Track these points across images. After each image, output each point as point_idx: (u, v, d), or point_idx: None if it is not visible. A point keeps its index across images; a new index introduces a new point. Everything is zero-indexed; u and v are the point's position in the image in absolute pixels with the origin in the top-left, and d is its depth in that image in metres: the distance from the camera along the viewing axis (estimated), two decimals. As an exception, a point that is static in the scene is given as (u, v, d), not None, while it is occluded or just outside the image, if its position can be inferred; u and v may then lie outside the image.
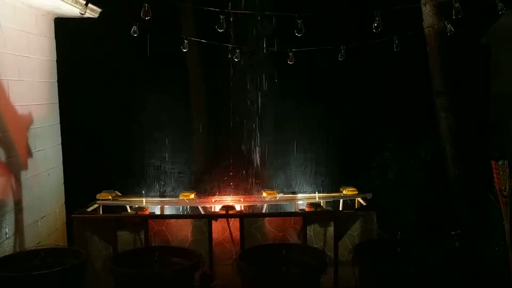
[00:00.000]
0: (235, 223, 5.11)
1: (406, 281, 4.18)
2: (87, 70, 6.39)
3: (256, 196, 5.96)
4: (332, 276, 5.01)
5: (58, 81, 5.75)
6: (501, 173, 4.35)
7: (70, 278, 4.06)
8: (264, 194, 5.77)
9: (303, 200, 5.71)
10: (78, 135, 6.28)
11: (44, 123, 5.39)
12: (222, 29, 4.55)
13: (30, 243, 4.88)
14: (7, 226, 4.58)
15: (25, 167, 4.94)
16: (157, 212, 5.59)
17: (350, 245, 5.03)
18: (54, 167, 5.61)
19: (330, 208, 5.75)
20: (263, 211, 5.75)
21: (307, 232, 5.11)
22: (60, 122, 5.79)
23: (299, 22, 4.55)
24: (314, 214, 5.22)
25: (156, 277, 4.17)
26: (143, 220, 5.08)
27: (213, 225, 5.06)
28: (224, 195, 5.98)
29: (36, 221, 5.12)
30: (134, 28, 4.73)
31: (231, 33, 4.85)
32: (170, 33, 5.41)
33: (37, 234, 5.09)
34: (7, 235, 4.58)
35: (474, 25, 6.51)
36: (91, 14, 5.12)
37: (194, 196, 5.72)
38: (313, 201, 5.58)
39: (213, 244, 5.05)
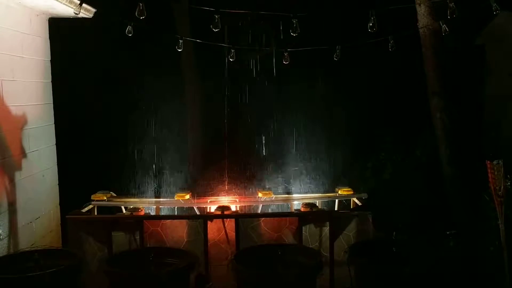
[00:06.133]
0: (230, 224, 5.10)
1: (402, 281, 4.18)
2: (82, 70, 6.35)
3: (252, 196, 5.95)
4: (328, 277, 5.01)
5: (52, 81, 5.73)
6: (496, 173, 4.35)
7: (64, 280, 4.04)
8: (260, 195, 5.76)
9: (298, 200, 5.71)
10: (73, 135, 6.24)
11: (39, 124, 5.36)
12: (217, 28, 4.53)
13: (24, 244, 4.85)
14: (1, 228, 4.55)
15: (19, 168, 4.91)
16: (152, 212, 5.58)
17: (345, 245, 5.03)
18: (49, 168, 5.58)
19: (325, 208, 5.75)
20: (259, 211, 5.75)
21: (303, 232, 5.11)
22: (55, 123, 5.77)
23: (294, 21, 4.55)
24: (310, 214, 5.21)
25: (151, 278, 4.16)
26: (138, 221, 5.07)
27: (208, 225, 5.05)
28: (219, 196, 5.97)
29: (31, 222, 5.09)
30: (128, 28, 4.72)
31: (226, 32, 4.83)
32: (165, 32, 5.40)
33: (31, 235, 5.06)
34: (1, 237, 4.55)
35: (469, 26, 6.53)
36: (85, 14, 5.10)
37: (190, 197, 5.71)
38: (308, 201, 5.58)
39: (208, 244, 5.04)
